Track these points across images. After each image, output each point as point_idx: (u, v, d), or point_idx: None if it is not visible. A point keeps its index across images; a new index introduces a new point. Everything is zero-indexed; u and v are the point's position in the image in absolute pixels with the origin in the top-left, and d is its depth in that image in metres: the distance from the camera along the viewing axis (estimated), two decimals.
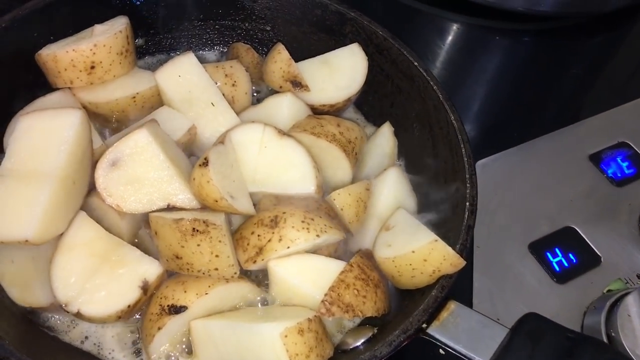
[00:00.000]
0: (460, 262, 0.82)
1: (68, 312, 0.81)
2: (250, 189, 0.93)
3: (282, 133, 0.95)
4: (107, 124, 0.99)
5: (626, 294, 1.02)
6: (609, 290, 1.10)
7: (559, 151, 1.28)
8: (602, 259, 1.14)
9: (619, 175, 1.25)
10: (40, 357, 0.71)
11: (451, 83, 1.34)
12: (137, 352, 0.85)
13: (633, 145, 1.29)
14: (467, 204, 0.87)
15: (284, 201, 0.92)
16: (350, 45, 1.07)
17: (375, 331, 0.85)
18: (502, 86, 1.44)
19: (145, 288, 0.83)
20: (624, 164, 1.26)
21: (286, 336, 0.76)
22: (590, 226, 1.18)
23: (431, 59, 1.40)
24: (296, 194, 0.92)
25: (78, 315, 0.81)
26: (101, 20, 0.98)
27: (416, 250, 0.83)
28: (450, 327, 0.80)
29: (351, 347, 0.83)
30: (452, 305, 0.82)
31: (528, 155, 1.27)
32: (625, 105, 1.37)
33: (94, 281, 0.82)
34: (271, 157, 0.93)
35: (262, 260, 0.85)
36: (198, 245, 0.82)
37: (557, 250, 1.15)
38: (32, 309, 0.84)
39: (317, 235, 0.85)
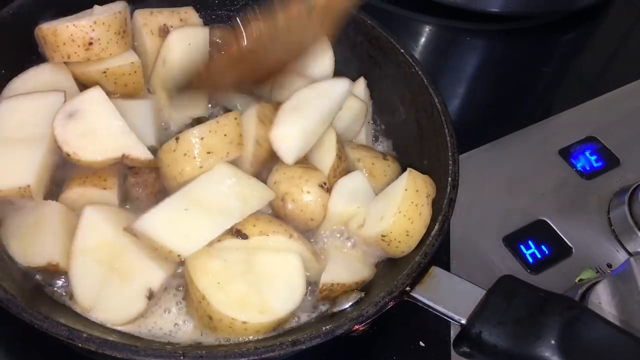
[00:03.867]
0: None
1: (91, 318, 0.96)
2: None
3: None
4: None
5: (596, 283, 1.17)
6: (580, 280, 1.27)
7: (529, 147, 1.49)
8: (573, 250, 1.32)
9: (588, 168, 1.46)
10: (48, 315, 0.84)
11: None
12: None
13: (601, 139, 1.50)
14: (450, 179, 1.06)
15: None
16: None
17: (363, 295, 1.01)
18: (474, 86, 1.66)
19: (150, 296, 0.97)
20: (592, 158, 1.47)
21: None
22: (561, 218, 1.36)
23: None
24: None
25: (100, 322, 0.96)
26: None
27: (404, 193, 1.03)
28: (432, 289, 0.96)
29: (340, 310, 0.99)
30: (434, 270, 0.98)
31: (500, 151, 1.47)
32: (593, 101, 1.60)
33: (106, 291, 0.96)
34: None
35: None
36: None
37: (530, 242, 1.32)
38: (32, 269, 0.98)
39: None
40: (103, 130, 1.02)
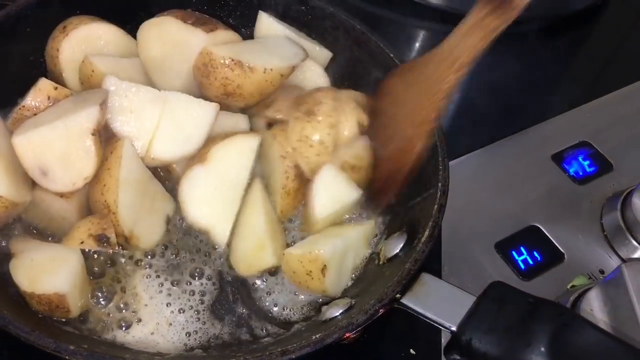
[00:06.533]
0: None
1: (130, 243, 1.07)
2: None
3: None
4: None
5: (588, 289, 1.20)
6: (572, 286, 1.29)
7: (522, 152, 1.52)
8: (565, 256, 1.35)
9: (581, 173, 1.49)
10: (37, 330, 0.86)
11: None
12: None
13: (594, 144, 1.53)
14: (440, 184, 1.09)
15: None
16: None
17: (353, 302, 1.03)
18: (467, 90, 1.68)
19: (168, 222, 1.14)
20: (585, 163, 1.50)
21: None
22: (553, 224, 1.39)
23: None
24: None
25: (134, 246, 1.08)
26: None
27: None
28: (422, 296, 0.99)
29: (330, 318, 1.02)
30: (424, 277, 1.01)
31: (493, 157, 1.50)
32: (586, 105, 1.63)
33: (141, 217, 1.08)
34: None
35: None
36: None
37: (522, 248, 1.35)
38: (35, 296, 0.98)
39: None
40: (72, 155, 1.04)
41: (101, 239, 1.03)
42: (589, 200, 1.45)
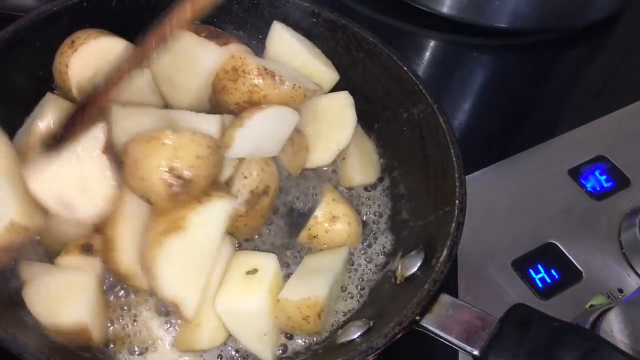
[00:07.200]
0: None
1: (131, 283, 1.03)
2: None
3: None
4: None
5: (608, 310, 1.18)
6: (591, 306, 1.27)
7: (538, 167, 1.50)
8: (583, 274, 1.33)
9: (598, 189, 1.47)
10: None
11: None
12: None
13: (610, 159, 1.51)
14: (457, 201, 1.06)
15: None
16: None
17: (371, 324, 1.01)
18: (480, 103, 1.68)
19: None
20: (602, 178, 1.48)
21: None
22: (571, 241, 1.37)
23: None
24: None
25: (137, 286, 1.04)
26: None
27: None
28: (442, 318, 0.97)
29: (348, 340, 1.00)
30: (444, 298, 0.99)
31: (508, 172, 1.48)
32: (602, 118, 1.61)
33: None
34: None
35: None
36: None
37: (539, 266, 1.33)
38: (56, 328, 0.95)
39: None
40: (89, 179, 1.03)
41: (85, 247, 1.02)
42: (607, 216, 1.43)
